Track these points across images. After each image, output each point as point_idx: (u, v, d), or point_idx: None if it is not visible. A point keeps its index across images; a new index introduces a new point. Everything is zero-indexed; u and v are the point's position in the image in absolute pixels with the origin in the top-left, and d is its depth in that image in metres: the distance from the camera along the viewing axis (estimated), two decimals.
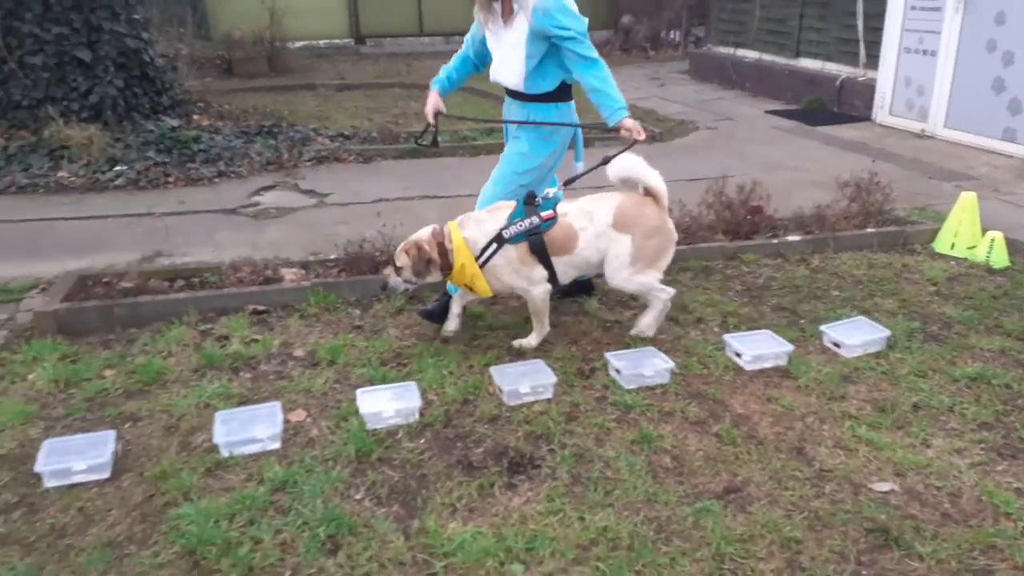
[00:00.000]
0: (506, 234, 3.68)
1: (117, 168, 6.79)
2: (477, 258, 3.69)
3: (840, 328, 4.01)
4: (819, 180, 6.68)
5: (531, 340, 3.93)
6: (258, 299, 4.38)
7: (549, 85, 3.83)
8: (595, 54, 3.71)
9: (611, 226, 3.74)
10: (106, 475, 3.02)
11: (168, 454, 3.14)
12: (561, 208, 3.77)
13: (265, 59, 13.18)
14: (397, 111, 10.05)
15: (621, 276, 3.81)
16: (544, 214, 3.72)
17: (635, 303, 4.47)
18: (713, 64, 12.64)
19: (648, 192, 3.83)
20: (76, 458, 3.02)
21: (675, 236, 3.92)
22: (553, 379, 3.53)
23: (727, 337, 3.91)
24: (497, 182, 4.01)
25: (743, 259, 5.06)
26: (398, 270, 3.78)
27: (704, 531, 2.69)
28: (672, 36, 16.19)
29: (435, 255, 3.70)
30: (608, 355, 3.72)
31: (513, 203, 3.78)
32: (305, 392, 3.59)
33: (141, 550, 2.65)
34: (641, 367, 3.62)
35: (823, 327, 4.04)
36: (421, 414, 3.38)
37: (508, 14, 3.76)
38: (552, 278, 3.81)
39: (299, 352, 3.97)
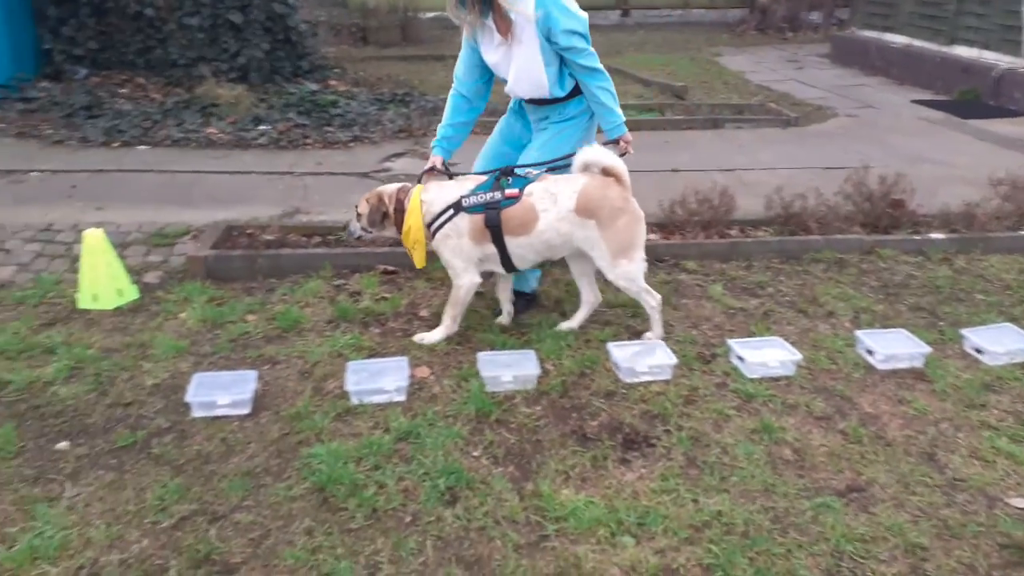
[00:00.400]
0: (465, 203, 3.57)
1: (261, 127, 7.18)
2: (430, 224, 3.61)
3: (984, 333, 3.78)
4: (969, 176, 6.26)
5: (435, 335, 3.78)
6: (388, 260, 4.55)
7: (572, 82, 3.67)
8: (597, 63, 3.56)
9: (573, 211, 3.54)
10: (247, 411, 3.25)
11: (302, 397, 3.34)
12: (532, 187, 3.60)
13: (398, 28, 13.49)
14: None
15: (609, 268, 3.62)
16: (508, 191, 3.56)
17: (761, 291, 4.37)
18: (856, 48, 11.99)
19: (609, 173, 3.61)
20: (221, 393, 3.27)
21: (641, 215, 3.67)
22: (673, 360, 3.51)
23: (859, 333, 3.76)
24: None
25: (880, 254, 4.83)
26: (358, 216, 3.78)
27: (823, 527, 2.63)
28: (813, 17, 15.46)
29: (391, 209, 3.66)
30: (731, 342, 3.66)
31: (484, 177, 3.69)
32: (429, 351, 3.72)
33: (276, 482, 2.85)
34: (765, 356, 3.54)
35: (964, 331, 3.82)
36: (538, 382, 3.45)
37: (506, 29, 3.54)
38: (505, 261, 3.65)
39: (424, 312, 4.11)
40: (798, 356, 3.56)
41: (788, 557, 2.50)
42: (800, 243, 4.83)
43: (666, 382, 3.46)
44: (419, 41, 13.46)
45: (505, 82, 3.74)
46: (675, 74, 10.71)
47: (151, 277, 4.45)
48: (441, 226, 3.61)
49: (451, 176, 3.78)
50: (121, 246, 4.64)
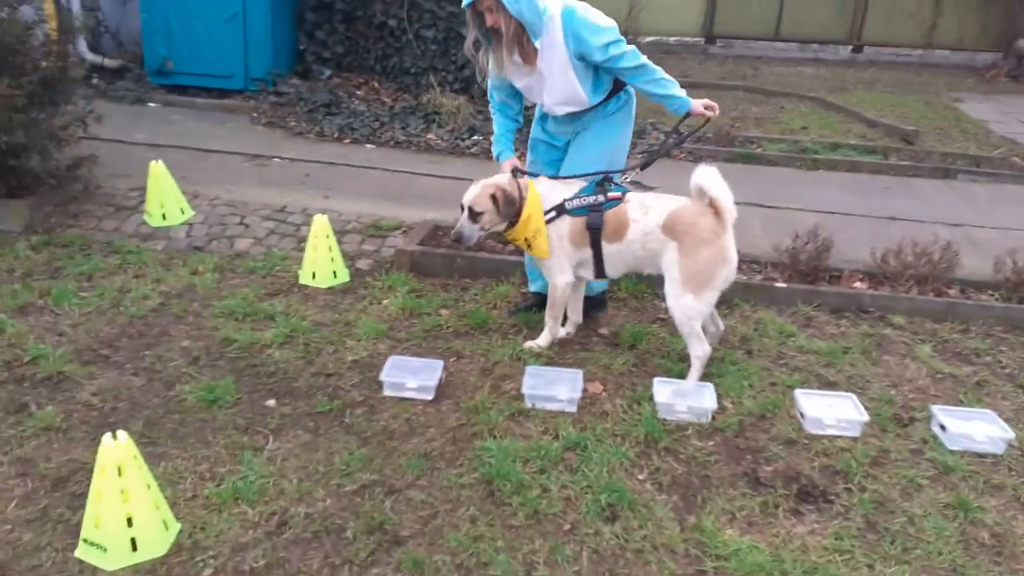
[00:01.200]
0: (568, 205, 3.57)
1: (475, 137, 7.57)
2: None
3: None
4: None
5: (542, 340, 3.86)
6: None
7: (608, 85, 3.66)
8: (638, 59, 3.49)
9: (660, 227, 3.48)
10: (430, 397, 3.46)
11: (481, 392, 3.50)
12: (627, 195, 3.60)
13: None
14: (736, 114, 9.84)
15: (673, 295, 3.49)
16: (611, 194, 3.57)
17: (977, 359, 3.99)
18: None
19: (712, 205, 3.43)
20: (411, 377, 3.51)
21: (730, 256, 3.47)
22: (865, 417, 3.30)
23: None
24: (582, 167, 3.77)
25: None
26: (476, 216, 3.59)
27: None
28: None
29: (516, 195, 3.59)
30: (934, 408, 3.38)
31: (584, 182, 3.66)
32: (604, 368, 3.76)
33: (448, 468, 3.02)
34: (972, 429, 3.24)
35: None
36: (713, 417, 3.38)
37: (531, 58, 3.54)
38: (599, 267, 3.65)
39: (604, 331, 4.15)
40: (1011, 434, 3.22)
41: None
42: None
43: (854, 439, 3.25)
44: None
45: (534, 103, 3.81)
46: (906, 117, 9.97)
47: (362, 264, 4.85)
48: (545, 223, 3.62)
49: (526, 176, 3.76)
50: (340, 233, 5.09)
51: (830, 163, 7.58)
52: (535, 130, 4.03)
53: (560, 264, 3.68)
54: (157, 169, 5.13)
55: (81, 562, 2.52)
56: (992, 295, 4.58)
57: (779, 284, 4.56)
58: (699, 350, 3.56)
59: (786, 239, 4.86)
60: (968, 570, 2.58)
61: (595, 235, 3.59)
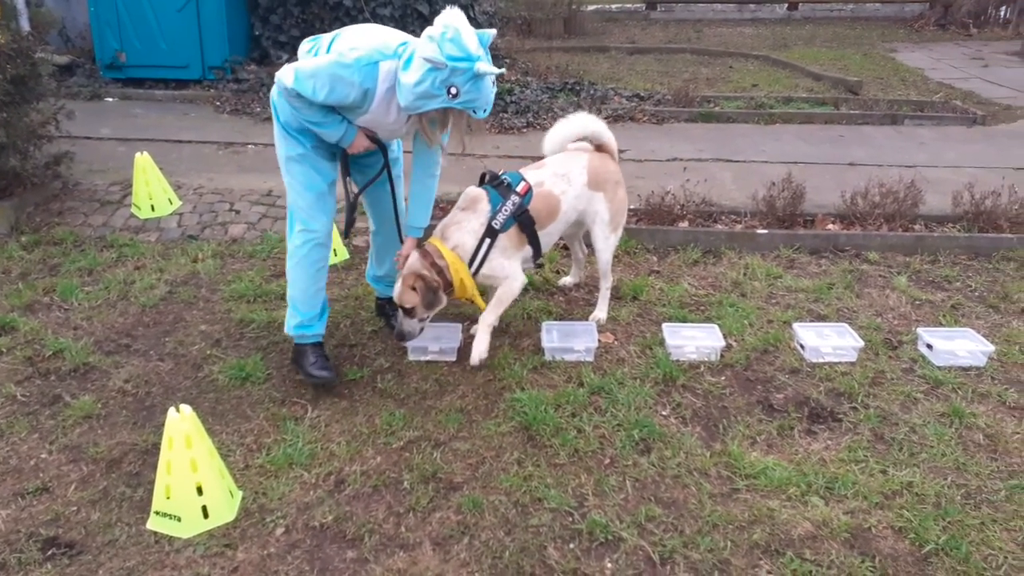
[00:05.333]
0: (496, 224, 3.41)
1: None
2: (470, 263, 3.41)
3: None
4: None
5: (483, 343, 3.50)
6: None
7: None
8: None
9: (586, 185, 3.70)
10: (454, 358, 3.62)
11: (502, 350, 3.67)
12: (532, 177, 3.58)
13: (562, 21, 13.80)
14: (688, 76, 10.12)
15: (603, 237, 3.79)
16: (519, 188, 3.49)
17: (948, 285, 4.32)
18: None
19: (601, 148, 3.82)
20: (432, 342, 3.65)
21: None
22: (860, 343, 3.58)
23: None
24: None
25: None
26: (409, 312, 3.36)
27: (1018, 506, 2.67)
28: (1003, 14, 14.44)
29: (437, 278, 3.34)
30: (920, 330, 3.68)
31: (484, 192, 3.48)
32: (611, 320, 3.96)
33: (485, 419, 3.19)
34: (955, 346, 3.54)
35: None
36: (722, 355, 3.62)
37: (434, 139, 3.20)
38: (537, 252, 3.59)
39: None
40: (991, 348, 3.54)
41: (982, 529, 2.57)
42: (991, 240, 4.70)
43: (851, 364, 3.54)
44: (582, 33, 13.72)
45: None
46: (848, 69, 10.39)
47: (358, 241, 4.94)
48: (483, 259, 3.43)
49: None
50: None
51: (785, 116, 7.90)
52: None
53: (514, 271, 3.55)
54: (143, 161, 5.13)
55: (155, 533, 2.63)
56: (954, 227, 4.93)
57: (761, 231, 4.83)
58: (611, 281, 3.97)
59: (759, 190, 5.13)
60: (969, 466, 2.87)
61: (530, 229, 3.51)
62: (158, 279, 4.37)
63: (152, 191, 5.15)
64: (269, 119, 7.47)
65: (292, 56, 8.92)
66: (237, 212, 5.26)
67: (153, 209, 5.16)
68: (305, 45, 3.27)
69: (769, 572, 2.44)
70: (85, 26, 8.65)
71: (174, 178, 5.54)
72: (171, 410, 2.61)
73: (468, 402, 3.32)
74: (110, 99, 8.05)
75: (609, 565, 2.48)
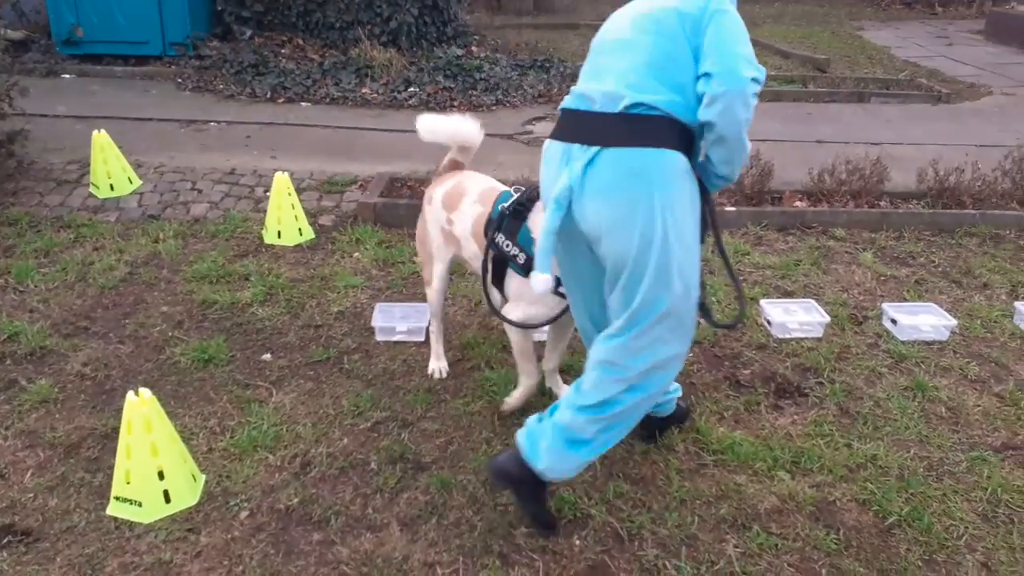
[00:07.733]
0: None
1: (411, 89, 7.55)
2: None
3: None
4: None
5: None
6: None
7: None
8: None
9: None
10: (422, 338, 3.58)
11: (470, 329, 3.65)
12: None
13: None
14: None
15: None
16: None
17: (913, 260, 4.37)
18: (1015, 25, 11.30)
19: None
20: (400, 322, 3.62)
21: None
22: (825, 319, 3.61)
23: (1019, 304, 3.73)
24: None
25: None
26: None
27: (979, 477, 2.71)
28: None
29: None
30: (884, 305, 3.72)
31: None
32: None
33: (454, 399, 3.17)
34: (919, 321, 3.59)
35: None
36: None
37: None
38: None
39: None
40: (953, 322, 3.59)
41: (944, 500, 2.61)
42: (954, 216, 4.77)
43: (817, 339, 3.56)
44: (551, 10, 13.61)
45: None
46: (816, 47, 10.44)
47: (325, 220, 4.87)
48: None
49: None
50: (296, 191, 5.07)
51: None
52: None
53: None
54: (101, 139, 4.98)
55: (115, 519, 2.57)
56: (918, 203, 4.98)
57: (729, 208, 4.83)
58: None
59: None
60: (932, 439, 2.91)
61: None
62: (118, 260, 4.27)
63: (111, 170, 5.02)
64: (232, 96, 7.42)
65: (256, 32, 8.83)
66: (199, 191, 5.14)
67: (112, 188, 5.02)
68: None
69: (736, 546, 2.46)
70: (40, 1, 8.38)
71: (134, 156, 5.40)
72: (129, 393, 2.54)
73: (436, 382, 3.28)
74: (67, 76, 7.82)
75: (577, 542, 2.48)
